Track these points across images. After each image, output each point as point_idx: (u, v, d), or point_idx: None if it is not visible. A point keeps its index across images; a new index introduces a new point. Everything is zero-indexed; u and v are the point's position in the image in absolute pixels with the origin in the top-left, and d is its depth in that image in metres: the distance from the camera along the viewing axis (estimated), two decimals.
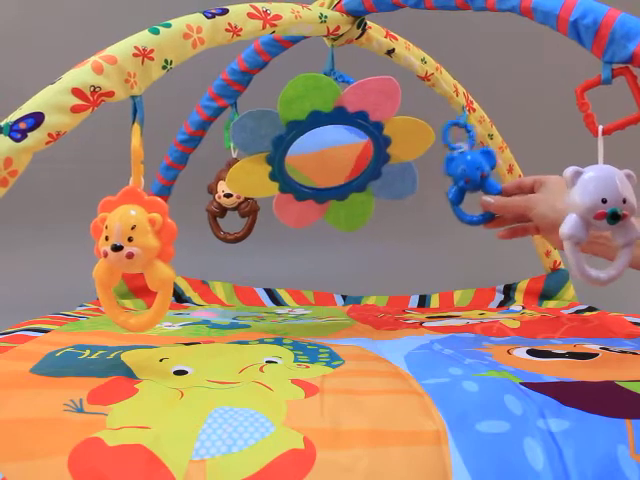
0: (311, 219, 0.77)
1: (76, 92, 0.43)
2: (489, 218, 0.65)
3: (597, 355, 0.53)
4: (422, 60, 0.82)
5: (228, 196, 0.81)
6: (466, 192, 0.67)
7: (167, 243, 0.45)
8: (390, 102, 0.65)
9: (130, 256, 0.44)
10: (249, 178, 0.69)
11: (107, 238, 0.45)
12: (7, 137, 0.40)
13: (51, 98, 0.43)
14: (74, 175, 1.24)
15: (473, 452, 0.33)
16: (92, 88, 0.44)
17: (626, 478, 0.32)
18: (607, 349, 0.56)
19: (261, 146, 0.66)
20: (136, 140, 0.48)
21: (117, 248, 0.44)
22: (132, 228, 0.44)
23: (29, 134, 0.41)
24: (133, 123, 0.48)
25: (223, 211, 0.84)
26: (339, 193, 0.74)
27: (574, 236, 0.46)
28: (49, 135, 0.42)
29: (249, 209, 0.82)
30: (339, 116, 0.65)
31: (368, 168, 0.73)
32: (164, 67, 0.49)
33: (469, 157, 0.64)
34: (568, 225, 0.46)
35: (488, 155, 0.64)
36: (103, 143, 1.20)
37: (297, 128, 0.65)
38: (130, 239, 0.44)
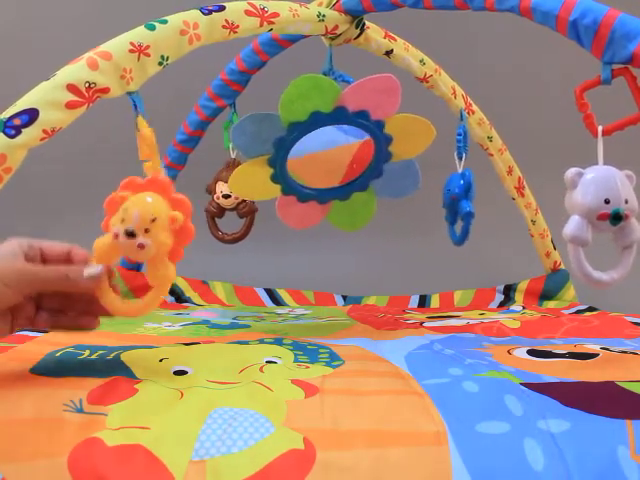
0: (314, 220, 0.77)
1: (71, 88, 0.43)
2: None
3: (597, 355, 0.53)
4: (421, 61, 0.82)
5: (226, 197, 0.82)
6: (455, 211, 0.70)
7: (180, 245, 0.45)
8: (391, 100, 0.65)
9: (141, 247, 0.42)
10: (251, 181, 0.69)
11: (123, 220, 0.43)
12: (1, 133, 0.40)
13: (46, 94, 0.42)
14: (74, 174, 1.24)
15: (473, 453, 0.33)
16: (87, 84, 0.44)
17: (626, 479, 0.32)
18: (607, 349, 0.56)
19: (262, 149, 0.66)
20: (147, 130, 0.47)
21: (131, 235, 0.43)
22: (152, 220, 0.43)
23: (23, 130, 0.41)
24: (137, 117, 0.48)
25: (222, 211, 0.84)
26: (341, 193, 0.74)
27: (577, 237, 0.46)
28: (44, 131, 0.42)
29: (247, 210, 0.82)
30: (340, 116, 0.65)
31: (370, 167, 0.73)
32: (160, 63, 0.49)
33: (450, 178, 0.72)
34: (571, 226, 0.46)
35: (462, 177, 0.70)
36: (104, 143, 1.20)
37: (298, 129, 0.65)
38: (146, 230, 0.43)
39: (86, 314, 0.46)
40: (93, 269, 0.43)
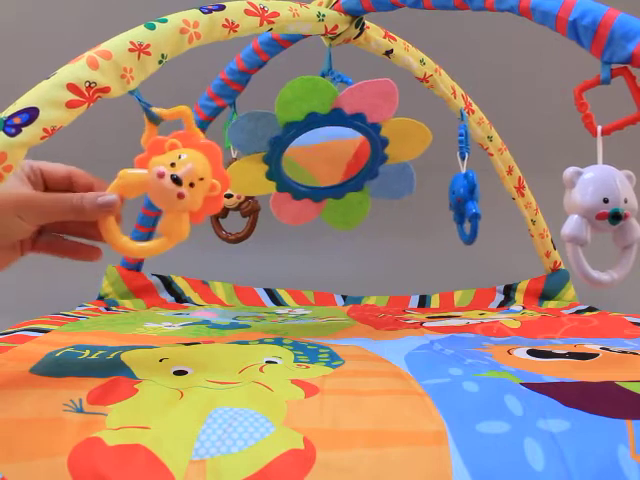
0: (308, 217, 0.77)
1: (71, 87, 0.43)
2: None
3: (597, 355, 0.53)
4: (421, 61, 0.82)
5: (229, 196, 0.82)
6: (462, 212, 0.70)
7: (205, 211, 0.45)
8: (388, 104, 0.65)
9: (181, 196, 0.42)
10: (247, 177, 0.70)
11: (173, 165, 0.43)
12: (1, 132, 0.40)
13: (46, 93, 0.42)
14: None
15: (473, 453, 0.33)
16: (87, 84, 0.43)
17: (626, 479, 0.32)
18: (607, 349, 0.56)
19: (258, 146, 0.67)
20: (169, 110, 0.47)
21: (177, 181, 0.42)
22: (200, 179, 0.43)
23: (24, 129, 0.40)
24: (150, 107, 0.47)
25: (225, 211, 0.84)
26: (336, 192, 0.74)
27: (576, 237, 0.46)
28: (44, 130, 0.41)
29: (250, 209, 0.83)
30: (336, 118, 0.65)
31: (365, 167, 0.73)
32: (160, 62, 0.49)
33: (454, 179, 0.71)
34: (570, 226, 0.46)
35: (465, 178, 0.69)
36: (105, 142, 1.20)
37: (294, 129, 0.65)
38: (191, 185, 0.43)
39: (83, 236, 0.46)
40: (109, 197, 0.43)
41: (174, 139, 0.45)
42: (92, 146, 1.23)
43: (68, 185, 0.46)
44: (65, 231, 0.46)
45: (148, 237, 0.98)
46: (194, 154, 0.44)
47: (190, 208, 0.44)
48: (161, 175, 0.42)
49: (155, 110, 0.47)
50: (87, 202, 0.42)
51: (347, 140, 0.71)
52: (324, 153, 0.72)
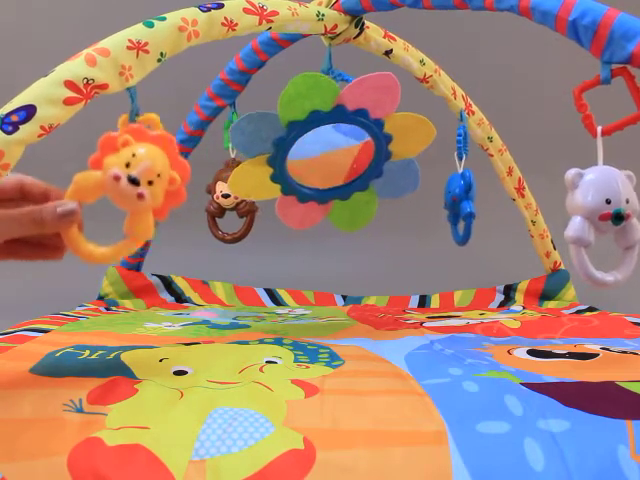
0: (315, 220, 0.76)
1: (69, 84, 0.43)
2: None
3: (597, 355, 0.53)
4: (421, 62, 0.81)
5: (226, 196, 0.82)
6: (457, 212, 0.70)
7: (168, 205, 0.44)
8: (390, 98, 0.65)
9: (141, 197, 0.41)
10: (251, 181, 0.69)
11: (128, 165, 0.41)
12: None
13: (43, 90, 0.42)
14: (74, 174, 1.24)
15: (473, 453, 0.33)
16: (85, 80, 0.43)
17: (626, 479, 0.32)
18: (607, 349, 0.56)
19: (262, 148, 0.66)
20: (141, 117, 0.46)
21: (134, 182, 0.41)
22: (158, 175, 0.42)
23: (21, 127, 0.40)
24: (139, 112, 0.47)
25: (222, 211, 0.84)
26: (342, 193, 0.74)
27: (580, 239, 0.45)
28: (41, 128, 0.41)
29: (247, 209, 0.83)
30: (339, 115, 0.65)
31: (370, 166, 0.72)
32: (159, 60, 0.49)
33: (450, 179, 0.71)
34: (573, 228, 0.46)
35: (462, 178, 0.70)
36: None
37: (297, 128, 0.65)
38: (149, 183, 0.41)
39: (44, 245, 0.44)
40: (69, 206, 0.41)
41: (127, 135, 0.42)
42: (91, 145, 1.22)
43: (19, 196, 0.44)
44: (17, 255, 0.43)
45: None
46: (149, 149, 0.42)
47: (152, 206, 0.43)
48: (117, 178, 0.40)
49: (146, 117, 0.46)
50: (47, 214, 0.40)
51: (344, 149, 0.71)
52: (320, 166, 0.72)
